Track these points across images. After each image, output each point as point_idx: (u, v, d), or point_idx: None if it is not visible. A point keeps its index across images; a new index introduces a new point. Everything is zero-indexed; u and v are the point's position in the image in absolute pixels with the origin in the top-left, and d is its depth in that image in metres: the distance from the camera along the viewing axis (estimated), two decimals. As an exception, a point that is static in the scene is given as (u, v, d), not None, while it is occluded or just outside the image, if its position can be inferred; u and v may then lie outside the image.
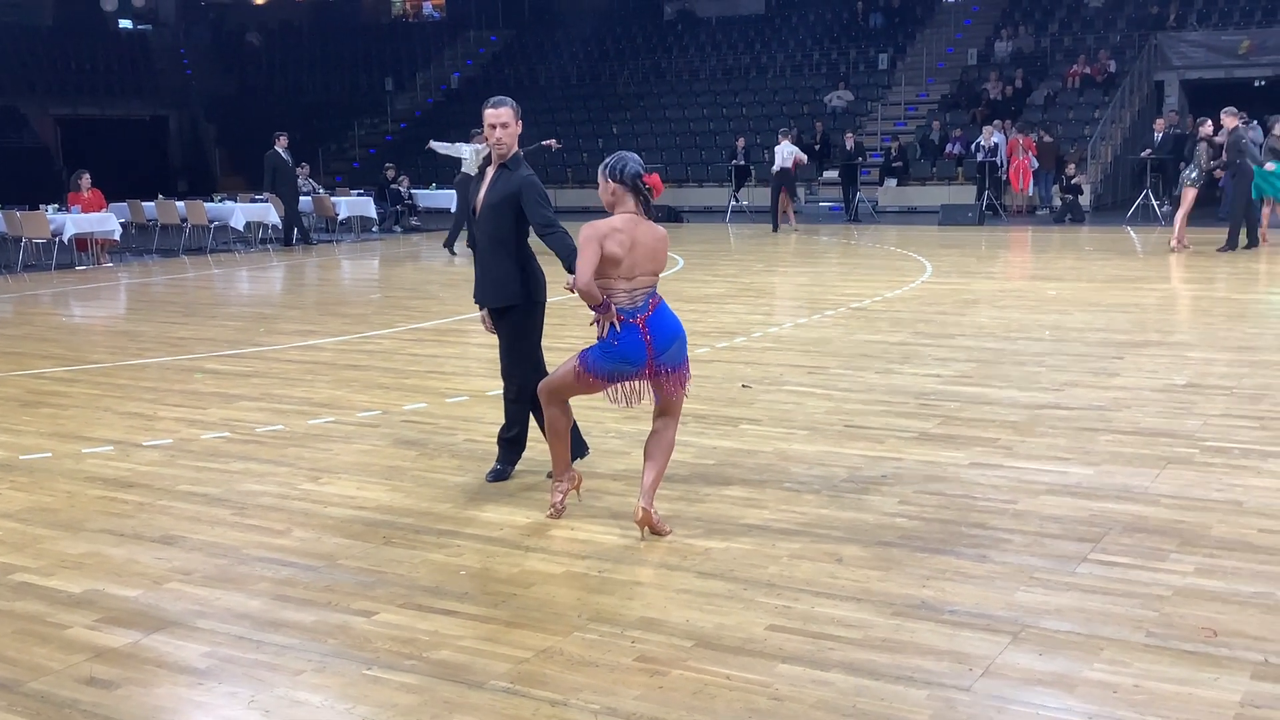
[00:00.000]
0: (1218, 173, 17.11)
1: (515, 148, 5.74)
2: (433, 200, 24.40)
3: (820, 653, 3.91)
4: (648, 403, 5.23)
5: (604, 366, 5.03)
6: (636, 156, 5.09)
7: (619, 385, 5.12)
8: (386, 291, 14.77)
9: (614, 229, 4.93)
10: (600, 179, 5.08)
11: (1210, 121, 16.83)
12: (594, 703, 3.61)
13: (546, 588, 4.56)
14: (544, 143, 18.66)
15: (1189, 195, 16.28)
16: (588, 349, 5.10)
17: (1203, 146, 16.43)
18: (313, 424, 7.32)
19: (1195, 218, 16.61)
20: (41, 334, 11.48)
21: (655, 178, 5.03)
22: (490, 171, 5.80)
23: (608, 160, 5.08)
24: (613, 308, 4.97)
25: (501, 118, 5.65)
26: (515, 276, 5.73)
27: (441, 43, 36.35)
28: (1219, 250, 15.89)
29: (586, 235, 4.92)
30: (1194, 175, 16.29)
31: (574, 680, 3.76)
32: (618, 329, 4.97)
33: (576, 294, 4.99)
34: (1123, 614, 4.17)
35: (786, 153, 21.67)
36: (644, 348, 4.98)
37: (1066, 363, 8.62)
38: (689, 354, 5.21)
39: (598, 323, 5.04)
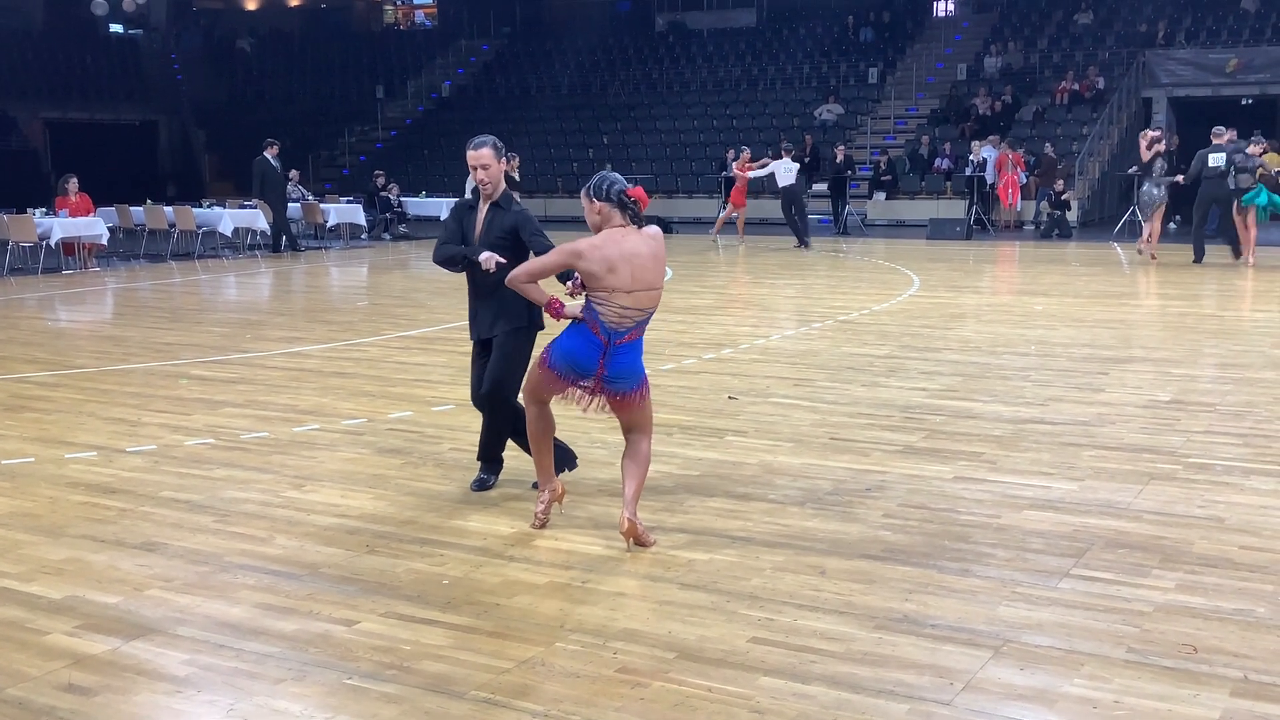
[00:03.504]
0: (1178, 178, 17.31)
1: (503, 185, 5.74)
2: (422, 208, 24.40)
3: (802, 665, 3.92)
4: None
5: (560, 362, 5.04)
6: (618, 175, 5.12)
7: (572, 389, 5.11)
8: (374, 299, 14.75)
9: (593, 246, 4.95)
10: (584, 201, 5.09)
11: (1150, 134, 17.08)
12: (575, 714, 3.60)
13: (529, 598, 4.55)
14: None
15: (1159, 212, 16.69)
16: (555, 339, 5.11)
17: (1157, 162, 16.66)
18: (298, 431, 7.30)
19: (1185, 233, 16.71)
20: (26, 338, 11.44)
21: (639, 190, 5.05)
22: (483, 209, 5.78)
23: (590, 182, 5.09)
24: (564, 308, 5.01)
25: (483, 159, 5.64)
26: (511, 308, 5.70)
27: (433, 51, 36.37)
28: (1234, 260, 16.21)
29: (561, 249, 5.01)
30: (1157, 194, 16.45)
31: (555, 691, 3.76)
32: (581, 318, 4.99)
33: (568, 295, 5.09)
34: (1104, 630, 4.18)
35: (790, 169, 21.51)
36: (597, 365, 5.00)
37: (1051, 378, 8.64)
38: (648, 373, 5.20)
39: (552, 310, 5.09)
